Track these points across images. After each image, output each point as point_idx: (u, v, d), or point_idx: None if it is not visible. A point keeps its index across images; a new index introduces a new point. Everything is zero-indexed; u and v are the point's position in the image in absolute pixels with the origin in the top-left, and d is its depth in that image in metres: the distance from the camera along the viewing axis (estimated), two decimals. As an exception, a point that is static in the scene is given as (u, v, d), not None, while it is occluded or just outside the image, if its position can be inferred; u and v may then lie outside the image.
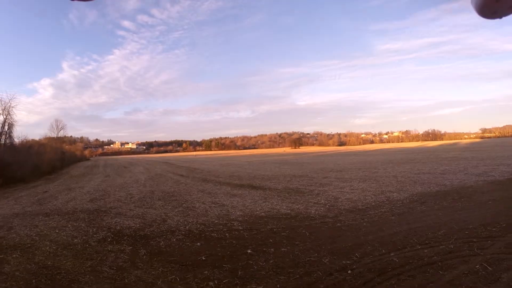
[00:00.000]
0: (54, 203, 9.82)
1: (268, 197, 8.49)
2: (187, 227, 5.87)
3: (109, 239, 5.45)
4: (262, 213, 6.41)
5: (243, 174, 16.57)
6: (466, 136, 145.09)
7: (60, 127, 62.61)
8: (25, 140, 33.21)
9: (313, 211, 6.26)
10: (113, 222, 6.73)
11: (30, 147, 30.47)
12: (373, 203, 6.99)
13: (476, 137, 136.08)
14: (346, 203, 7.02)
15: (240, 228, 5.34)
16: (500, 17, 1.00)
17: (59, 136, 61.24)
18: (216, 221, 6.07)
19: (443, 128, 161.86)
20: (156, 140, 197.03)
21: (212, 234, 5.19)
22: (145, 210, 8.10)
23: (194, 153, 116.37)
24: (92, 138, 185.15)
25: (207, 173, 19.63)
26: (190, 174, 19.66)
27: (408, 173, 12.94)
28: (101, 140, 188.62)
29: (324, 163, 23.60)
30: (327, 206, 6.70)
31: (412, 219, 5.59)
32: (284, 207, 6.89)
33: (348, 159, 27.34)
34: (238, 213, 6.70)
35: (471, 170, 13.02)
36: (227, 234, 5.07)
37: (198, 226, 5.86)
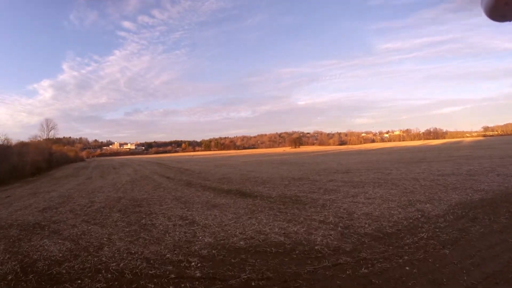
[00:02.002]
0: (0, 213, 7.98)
1: (257, 210, 6.33)
2: (121, 264, 3.75)
3: (10, 277, 3.49)
4: (241, 242, 4.25)
5: (235, 176, 14.42)
6: (468, 135, 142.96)
7: (50, 127, 60.59)
8: (5, 141, 31.04)
9: (318, 239, 4.09)
10: (37, 247, 4.91)
11: (8, 148, 28.28)
12: (404, 222, 4.84)
13: (478, 135, 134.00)
14: (365, 222, 4.86)
15: (197, 274, 3.18)
16: (510, 20, 0.97)
17: (49, 136, 59.26)
18: (169, 255, 3.92)
19: (443, 126, 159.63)
20: (156, 140, 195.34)
21: (148, 286, 3.04)
22: (89, 227, 6.05)
23: (192, 153, 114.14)
24: (93, 139, 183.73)
25: (197, 174, 17.53)
26: (177, 176, 17.56)
27: (428, 174, 10.79)
28: (100, 141, 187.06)
29: (327, 163, 21.43)
30: (338, 229, 4.53)
31: (476, 254, 3.46)
32: (276, 230, 4.73)
33: (352, 159, 25.18)
34: (207, 239, 4.54)
35: (501, 170, 10.94)
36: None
37: (138, 263, 3.72)
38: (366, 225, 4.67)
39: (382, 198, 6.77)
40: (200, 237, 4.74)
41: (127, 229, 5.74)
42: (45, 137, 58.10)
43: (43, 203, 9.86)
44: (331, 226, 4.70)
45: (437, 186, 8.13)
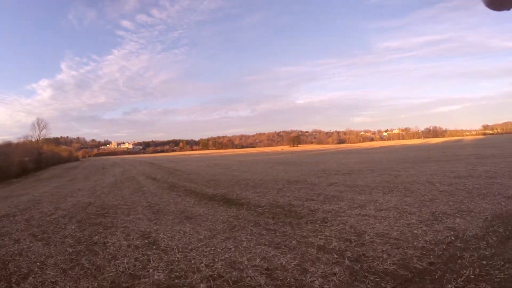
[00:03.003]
0: None
1: (238, 226, 4.95)
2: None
3: None
4: (202, 285, 2.86)
5: (225, 178, 13.05)
6: (467, 133, 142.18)
7: (42, 126, 59.03)
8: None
9: (317, 283, 2.71)
10: None
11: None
12: (436, 249, 3.46)
13: (478, 134, 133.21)
14: (382, 250, 3.47)
15: None
16: (508, 9, 0.85)
17: (40, 135, 57.65)
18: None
19: (442, 125, 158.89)
20: (153, 140, 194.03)
21: None
22: (32, 244, 5.01)
23: (188, 152, 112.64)
24: (93, 138, 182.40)
25: (186, 176, 16.18)
26: (164, 177, 16.19)
27: (443, 176, 9.44)
28: (97, 140, 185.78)
29: (326, 162, 20.07)
30: (346, 262, 3.14)
31: None
32: (257, 261, 3.34)
33: (353, 158, 23.84)
34: (157, 275, 3.16)
35: (525, 171, 9.67)
36: None
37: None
38: (385, 255, 3.29)
39: (397, 209, 5.39)
40: (151, 270, 3.36)
41: (71, 250, 4.39)
42: (36, 136, 56.46)
43: (5, 209, 8.64)
44: (335, 256, 3.31)
45: (459, 192, 6.77)
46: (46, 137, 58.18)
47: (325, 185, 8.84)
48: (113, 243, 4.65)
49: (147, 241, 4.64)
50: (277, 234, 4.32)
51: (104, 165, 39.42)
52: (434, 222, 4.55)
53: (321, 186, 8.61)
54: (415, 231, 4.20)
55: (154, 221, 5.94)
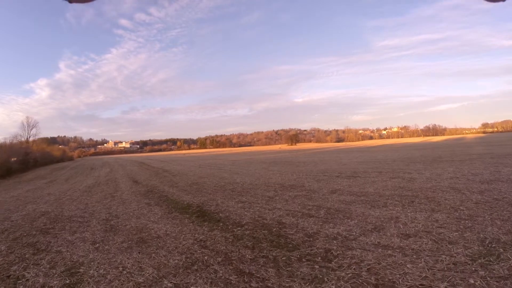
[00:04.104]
0: None
1: (200, 262, 3.35)
2: None
3: None
4: None
5: (211, 181, 11.44)
6: (467, 131, 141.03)
7: (31, 125, 57.11)
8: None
9: None
10: None
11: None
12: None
13: (478, 132, 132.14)
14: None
15: None
16: (504, 0, 0.90)
17: (30, 135, 55.78)
18: None
19: (441, 123, 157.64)
20: (151, 138, 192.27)
21: None
22: None
23: (184, 151, 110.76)
24: (91, 137, 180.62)
25: (170, 178, 14.60)
26: (147, 180, 14.61)
27: (465, 180, 7.87)
28: (94, 139, 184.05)
29: (326, 162, 18.46)
30: None
31: None
32: None
33: (354, 157, 22.24)
34: None
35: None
36: None
37: None
38: None
39: (429, 234, 3.79)
40: None
41: None
42: (26, 136, 54.55)
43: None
44: None
45: (498, 204, 5.20)
46: (36, 136, 56.17)
47: (326, 192, 7.24)
48: (26, 280, 3.19)
49: (68, 282, 3.13)
50: (252, 284, 2.72)
51: (94, 165, 37.74)
52: (490, 258, 2.97)
53: (322, 194, 7.01)
54: (471, 280, 2.62)
55: (97, 245, 4.39)
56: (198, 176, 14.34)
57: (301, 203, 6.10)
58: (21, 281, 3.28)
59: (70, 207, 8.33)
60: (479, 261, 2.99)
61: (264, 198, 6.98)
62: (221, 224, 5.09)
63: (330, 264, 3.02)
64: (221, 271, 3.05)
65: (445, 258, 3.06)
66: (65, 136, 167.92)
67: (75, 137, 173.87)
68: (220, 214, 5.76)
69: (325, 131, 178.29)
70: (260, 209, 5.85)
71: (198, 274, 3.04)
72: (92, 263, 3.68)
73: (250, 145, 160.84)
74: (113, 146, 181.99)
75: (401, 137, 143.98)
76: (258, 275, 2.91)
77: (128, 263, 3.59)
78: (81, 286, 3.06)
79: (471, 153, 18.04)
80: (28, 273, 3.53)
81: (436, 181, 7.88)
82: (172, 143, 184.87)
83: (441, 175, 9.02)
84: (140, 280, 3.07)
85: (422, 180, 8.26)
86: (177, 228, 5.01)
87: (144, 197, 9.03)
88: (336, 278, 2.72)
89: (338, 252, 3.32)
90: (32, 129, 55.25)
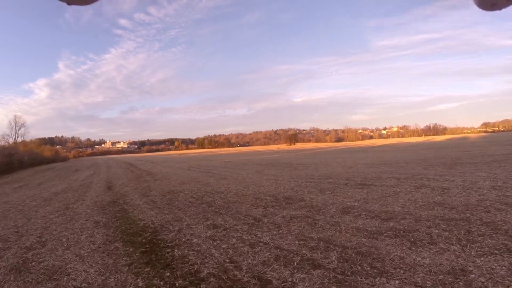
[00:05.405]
0: None
1: None
2: None
3: None
4: None
5: (191, 190, 9.39)
6: (467, 131, 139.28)
7: (20, 124, 54.94)
8: None
9: None
10: None
11: None
12: None
13: (480, 132, 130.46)
14: None
15: None
16: (500, 9, 0.90)
17: (18, 135, 53.60)
18: None
19: (441, 123, 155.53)
20: (149, 139, 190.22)
21: None
22: None
23: (180, 151, 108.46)
24: (90, 138, 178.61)
25: (151, 182, 12.72)
26: (123, 185, 12.67)
27: (505, 189, 5.89)
28: (92, 139, 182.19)
29: (328, 164, 16.42)
30: None
31: None
32: None
33: (359, 158, 20.21)
34: None
35: None
36: None
37: None
38: None
39: None
40: None
41: None
42: (14, 136, 52.34)
43: None
44: None
45: None
46: (25, 136, 53.93)
47: (336, 212, 5.20)
48: None
49: None
50: None
51: (81, 166, 35.65)
52: None
53: (329, 216, 4.97)
54: None
55: None
56: (180, 181, 12.31)
57: (300, 233, 4.06)
58: None
59: (6, 224, 6.37)
60: None
61: (247, 221, 4.94)
62: (168, 274, 3.07)
63: None
64: None
65: None
66: (62, 136, 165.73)
67: (72, 137, 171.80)
68: (176, 251, 3.74)
69: (324, 131, 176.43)
70: (236, 244, 3.82)
71: None
72: None
73: (248, 145, 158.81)
74: (111, 146, 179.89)
75: (402, 137, 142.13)
76: None
77: None
78: None
79: (491, 154, 16.05)
80: None
81: (478, 193, 5.86)
82: (170, 143, 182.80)
83: (477, 183, 7.01)
84: None
85: (458, 191, 6.24)
86: (101, 278, 3.00)
87: (99, 211, 7.01)
88: None
89: None
90: (20, 128, 53.07)
